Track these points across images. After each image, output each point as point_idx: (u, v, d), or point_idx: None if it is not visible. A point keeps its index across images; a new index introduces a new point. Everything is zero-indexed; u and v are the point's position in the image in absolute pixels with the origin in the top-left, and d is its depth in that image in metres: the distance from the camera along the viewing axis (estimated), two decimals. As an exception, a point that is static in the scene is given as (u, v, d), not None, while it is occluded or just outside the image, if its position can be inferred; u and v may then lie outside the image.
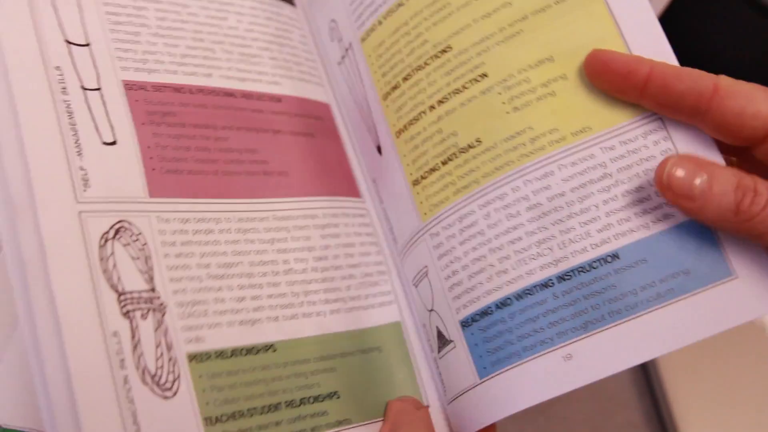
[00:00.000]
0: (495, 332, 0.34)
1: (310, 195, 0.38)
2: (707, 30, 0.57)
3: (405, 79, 0.38)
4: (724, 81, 0.31)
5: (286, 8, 0.44)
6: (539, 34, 0.35)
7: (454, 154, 0.36)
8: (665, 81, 0.32)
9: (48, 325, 0.29)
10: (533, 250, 0.34)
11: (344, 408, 0.36)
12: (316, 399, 0.35)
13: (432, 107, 0.37)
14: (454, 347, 0.36)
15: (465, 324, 0.35)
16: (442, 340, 0.37)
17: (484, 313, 0.34)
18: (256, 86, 0.39)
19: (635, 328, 0.32)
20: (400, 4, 0.38)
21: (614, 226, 0.33)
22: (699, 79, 0.32)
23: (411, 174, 0.37)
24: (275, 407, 0.34)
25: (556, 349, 0.33)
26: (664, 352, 0.32)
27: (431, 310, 0.37)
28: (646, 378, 0.58)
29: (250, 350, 0.34)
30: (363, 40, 0.40)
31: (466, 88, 0.36)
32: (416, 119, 0.37)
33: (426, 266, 0.37)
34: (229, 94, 0.38)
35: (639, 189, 0.33)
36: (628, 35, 0.34)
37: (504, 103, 0.35)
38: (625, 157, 0.33)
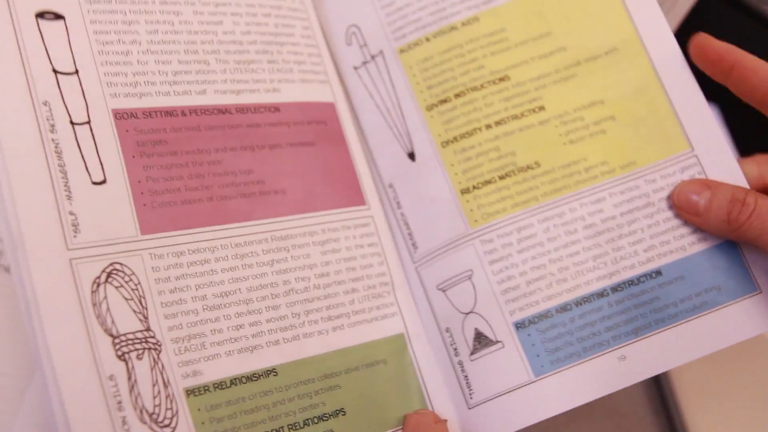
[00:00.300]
0: (555, 334, 0.38)
1: (309, 211, 0.38)
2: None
3: (457, 95, 0.41)
4: None
5: (283, 1, 0.42)
6: (591, 79, 0.41)
7: (513, 171, 0.40)
8: (744, 73, 0.38)
9: (48, 372, 0.31)
10: (590, 263, 0.39)
11: (351, 424, 0.36)
12: (320, 418, 0.36)
13: (488, 126, 0.41)
14: (502, 347, 0.38)
15: (520, 325, 0.38)
16: (483, 341, 0.39)
17: (543, 316, 0.38)
18: (252, 97, 0.38)
19: (677, 334, 0.38)
20: (453, 28, 0.42)
21: (657, 247, 0.39)
22: None
23: (459, 183, 0.40)
24: (278, 431, 0.34)
25: (613, 350, 0.38)
26: (700, 355, 0.38)
27: (469, 313, 0.39)
28: (660, 395, 0.59)
29: (250, 377, 0.34)
30: (402, 51, 0.42)
31: (524, 115, 0.41)
32: (470, 134, 0.41)
33: (470, 270, 0.39)
34: (223, 111, 0.37)
35: (677, 216, 0.39)
36: (667, 84, 0.41)
37: (561, 135, 0.40)
38: (665, 189, 0.39)
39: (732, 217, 0.37)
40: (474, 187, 0.40)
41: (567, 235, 0.39)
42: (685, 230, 0.39)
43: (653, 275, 0.39)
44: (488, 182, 0.40)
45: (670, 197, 0.39)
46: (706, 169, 0.39)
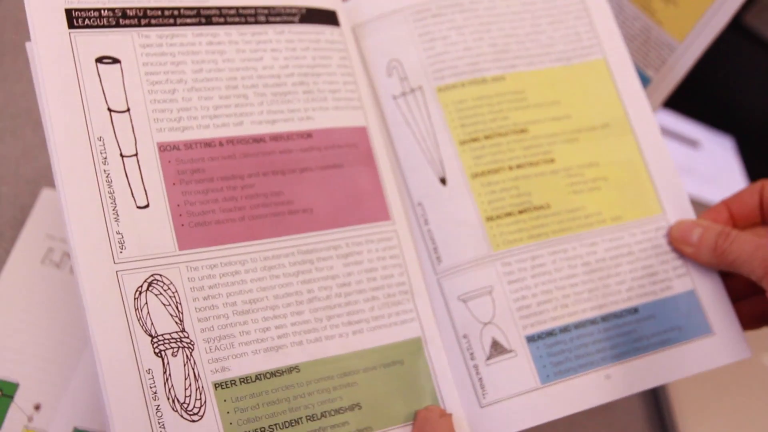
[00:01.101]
0: (558, 349, 0.44)
1: (335, 227, 0.43)
2: (732, 79, 0.60)
3: (486, 137, 0.47)
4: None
5: (327, 32, 0.46)
6: (589, 144, 0.49)
7: (528, 209, 0.46)
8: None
9: (96, 367, 0.37)
10: (585, 294, 0.46)
11: (366, 417, 0.41)
12: (337, 411, 0.40)
13: (511, 167, 0.47)
14: (515, 356, 0.44)
15: (531, 339, 0.44)
16: (499, 349, 0.44)
17: (549, 333, 0.44)
18: (286, 126, 0.43)
19: (649, 362, 0.45)
20: (484, 81, 0.48)
21: (635, 289, 0.46)
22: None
23: (485, 211, 0.46)
24: (296, 422, 0.39)
25: (601, 369, 0.44)
26: (668, 380, 0.46)
27: (488, 323, 0.44)
28: (657, 411, 0.64)
29: (274, 373, 0.39)
30: (440, 90, 0.48)
31: (539, 164, 0.47)
32: (496, 171, 0.47)
33: (491, 286, 0.45)
34: (258, 140, 0.42)
35: (652, 266, 0.47)
36: (648, 159, 0.49)
37: (567, 185, 0.48)
38: (643, 243, 0.47)
39: (718, 245, 0.45)
40: (497, 217, 0.46)
41: (569, 268, 0.46)
42: (656, 278, 0.47)
43: (632, 311, 0.46)
44: (509, 214, 0.46)
45: (668, 235, 0.48)
46: None
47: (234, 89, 0.42)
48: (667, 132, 0.81)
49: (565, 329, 0.45)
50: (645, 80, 0.59)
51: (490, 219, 0.46)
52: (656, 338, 0.46)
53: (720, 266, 0.46)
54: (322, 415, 0.40)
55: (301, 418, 0.39)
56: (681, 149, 0.80)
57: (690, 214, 0.49)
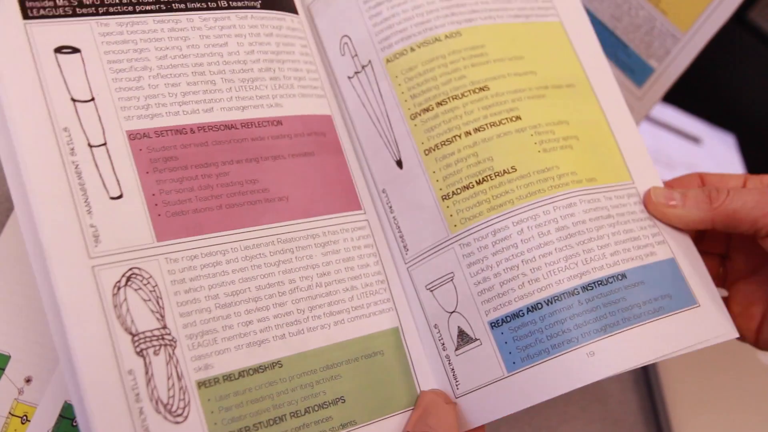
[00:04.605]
0: (526, 332, 0.40)
1: (310, 216, 0.41)
2: (736, 74, 0.60)
3: (439, 104, 0.43)
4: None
5: (288, 19, 0.45)
6: (558, 102, 0.45)
7: (490, 176, 0.42)
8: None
9: (67, 369, 0.34)
10: (561, 263, 0.41)
11: (349, 411, 0.40)
12: (320, 406, 0.39)
13: (468, 133, 0.43)
14: (480, 344, 0.41)
15: (494, 324, 0.41)
16: (465, 339, 0.41)
17: (515, 315, 0.40)
18: (256, 113, 0.42)
19: (641, 333, 0.40)
20: (436, 40, 0.44)
21: (620, 253, 0.42)
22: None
23: (441, 189, 0.43)
24: (280, 419, 0.38)
25: (582, 347, 0.39)
26: (660, 354, 0.40)
27: (452, 312, 0.42)
28: (652, 403, 0.62)
29: (257, 369, 0.38)
30: (389, 61, 0.44)
31: (503, 123, 0.43)
32: (450, 141, 0.43)
33: (452, 272, 0.42)
34: (229, 126, 0.41)
35: (632, 230, 0.43)
36: (612, 124, 0.46)
37: (536, 143, 0.43)
38: (619, 207, 0.43)
39: (713, 197, 0.42)
40: (453, 193, 0.42)
41: (540, 236, 0.41)
42: (639, 242, 0.42)
43: (619, 277, 0.41)
44: (466, 187, 0.42)
45: (644, 199, 0.44)
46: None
47: (201, 75, 0.41)
48: (669, 128, 0.81)
49: (534, 307, 0.40)
50: (648, 70, 0.59)
51: (445, 197, 0.42)
52: (648, 306, 0.41)
53: (711, 222, 0.43)
54: (306, 411, 0.39)
55: (285, 415, 0.38)
56: (683, 145, 0.80)
57: (658, 184, 0.45)
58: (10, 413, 0.47)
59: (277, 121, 0.42)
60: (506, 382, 0.40)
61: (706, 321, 0.42)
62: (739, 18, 0.55)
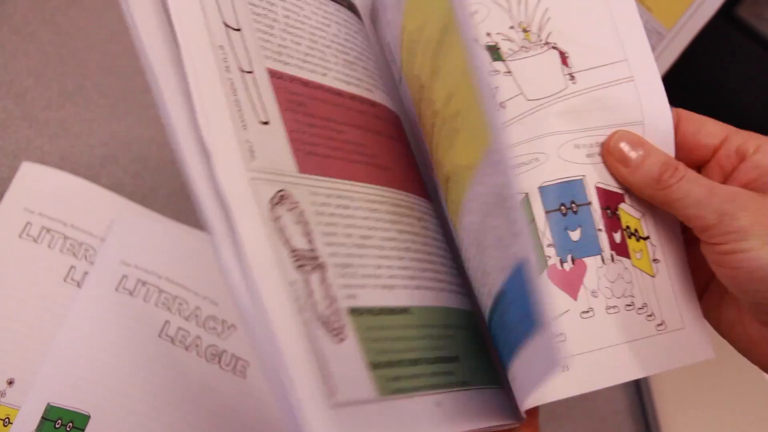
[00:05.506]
0: None
1: (408, 191, 0.42)
2: (723, 72, 0.61)
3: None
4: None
5: (363, 25, 0.48)
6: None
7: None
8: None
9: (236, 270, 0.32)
10: None
11: (463, 371, 0.39)
12: (444, 360, 0.38)
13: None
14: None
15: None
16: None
17: None
18: (358, 90, 0.43)
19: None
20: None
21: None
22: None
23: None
24: (416, 362, 0.36)
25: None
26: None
27: None
28: (639, 400, 0.63)
29: (392, 310, 0.37)
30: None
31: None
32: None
33: None
34: (339, 93, 0.42)
35: None
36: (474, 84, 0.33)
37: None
38: None
39: (663, 178, 0.38)
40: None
41: None
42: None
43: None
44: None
45: (603, 144, 0.40)
46: None
47: (315, 44, 0.42)
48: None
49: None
50: (634, 67, 0.60)
51: None
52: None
53: (655, 202, 0.39)
54: (435, 360, 0.38)
55: (420, 359, 0.37)
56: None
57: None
58: (-8, 415, 0.46)
59: (372, 103, 0.44)
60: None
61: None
62: (726, 15, 0.56)
